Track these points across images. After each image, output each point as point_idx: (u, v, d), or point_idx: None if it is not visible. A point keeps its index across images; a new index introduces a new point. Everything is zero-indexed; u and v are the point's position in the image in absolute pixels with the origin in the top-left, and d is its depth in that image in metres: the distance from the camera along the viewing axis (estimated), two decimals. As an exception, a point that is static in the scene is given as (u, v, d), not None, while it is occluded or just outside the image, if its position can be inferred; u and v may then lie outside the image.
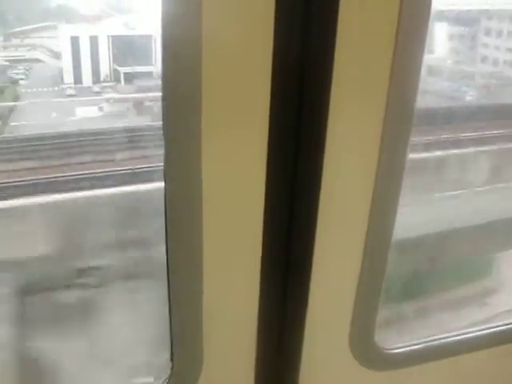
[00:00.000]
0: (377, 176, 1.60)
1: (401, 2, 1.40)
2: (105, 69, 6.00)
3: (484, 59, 4.37)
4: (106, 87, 6.44)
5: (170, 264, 1.53)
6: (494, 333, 2.12)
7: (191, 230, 1.49)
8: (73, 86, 5.92)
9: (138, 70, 4.55)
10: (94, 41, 5.56)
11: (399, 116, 1.55)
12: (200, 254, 1.52)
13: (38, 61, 5.06)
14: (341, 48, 1.38)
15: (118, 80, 5.30)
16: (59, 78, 5.57)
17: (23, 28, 4.64)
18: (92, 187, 3.74)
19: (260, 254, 1.59)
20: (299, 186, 1.52)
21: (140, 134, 4.24)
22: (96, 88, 6.10)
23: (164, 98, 1.32)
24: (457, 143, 4.54)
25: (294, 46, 1.35)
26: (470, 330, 2.10)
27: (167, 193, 1.44)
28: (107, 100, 4.88)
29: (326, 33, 1.36)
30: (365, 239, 1.68)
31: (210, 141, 1.39)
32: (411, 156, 1.66)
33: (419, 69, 1.51)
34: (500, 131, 4.66)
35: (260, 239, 1.57)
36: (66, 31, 5.21)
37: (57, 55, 5.10)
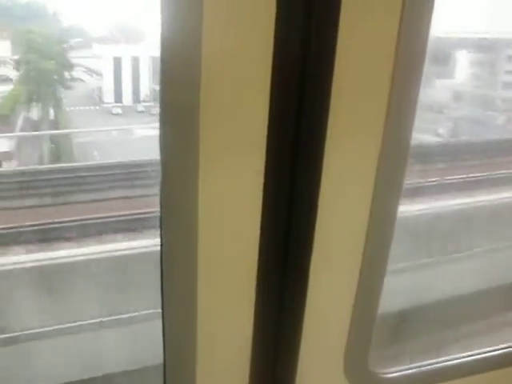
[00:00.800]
0: (374, 195, 1.60)
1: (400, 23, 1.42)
2: (144, 88, 6.22)
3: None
4: (148, 106, 6.65)
5: (164, 287, 1.55)
6: (492, 357, 2.09)
7: (186, 239, 1.52)
8: (116, 104, 6.12)
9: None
10: (135, 61, 5.77)
11: (400, 124, 1.56)
12: (195, 267, 1.54)
13: (78, 80, 5.27)
14: (341, 57, 1.40)
15: (156, 99, 5.44)
16: (99, 97, 5.76)
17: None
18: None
19: (255, 278, 1.61)
20: (297, 199, 1.53)
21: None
22: (139, 107, 6.29)
23: (161, 107, 1.35)
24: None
25: (294, 65, 1.38)
26: (468, 353, 2.07)
27: (162, 200, 1.46)
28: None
29: (325, 56, 1.39)
30: (360, 265, 1.69)
31: (208, 152, 1.41)
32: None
33: (417, 93, 1.53)
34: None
35: (256, 262, 1.59)
36: (107, 51, 5.43)
37: (96, 74, 5.28)
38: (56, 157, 6.71)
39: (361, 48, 1.44)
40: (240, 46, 1.36)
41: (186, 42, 1.31)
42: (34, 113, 6.11)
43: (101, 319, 5.34)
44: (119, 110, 6.29)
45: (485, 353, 2.09)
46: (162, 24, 1.28)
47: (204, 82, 1.33)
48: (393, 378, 1.95)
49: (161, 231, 1.51)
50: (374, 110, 1.52)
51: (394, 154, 1.60)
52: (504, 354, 2.11)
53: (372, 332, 1.83)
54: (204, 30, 1.28)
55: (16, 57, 5.60)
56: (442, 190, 6.87)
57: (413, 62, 1.50)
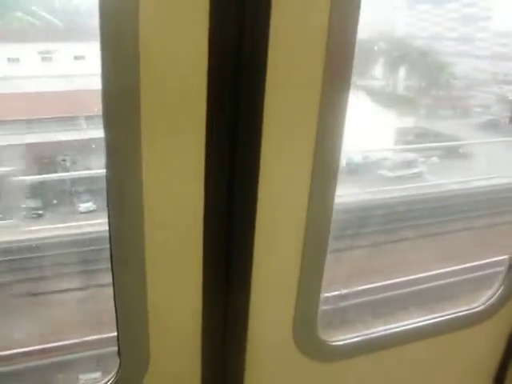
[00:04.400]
0: (313, 175, 1.67)
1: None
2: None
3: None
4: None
5: (113, 263, 1.57)
6: (431, 324, 2.24)
7: (133, 230, 1.54)
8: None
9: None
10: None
11: (331, 123, 1.63)
12: (142, 253, 1.57)
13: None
14: (273, 42, 1.44)
15: None
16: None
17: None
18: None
19: (201, 260, 1.65)
20: (238, 183, 1.58)
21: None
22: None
23: (103, 98, 1.36)
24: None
25: (229, 46, 1.41)
26: (408, 322, 2.21)
27: (108, 197, 1.48)
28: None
29: (259, 43, 1.43)
30: (304, 231, 1.75)
31: (150, 145, 1.44)
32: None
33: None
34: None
35: (201, 244, 1.63)
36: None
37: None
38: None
39: (293, 43, 1.49)
40: (175, 37, 1.38)
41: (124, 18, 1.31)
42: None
43: None
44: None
45: (425, 320, 2.24)
46: (100, 17, 1.29)
47: (143, 63, 1.35)
48: (340, 345, 2.03)
49: (108, 212, 1.51)
50: (307, 95, 1.58)
51: (330, 134, 1.65)
52: (443, 321, 2.27)
53: (319, 300, 1.90)
54: (141, 11, 1.31)
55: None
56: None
57: (343, 54, 1.56)
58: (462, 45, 4.57)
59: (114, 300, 1.62)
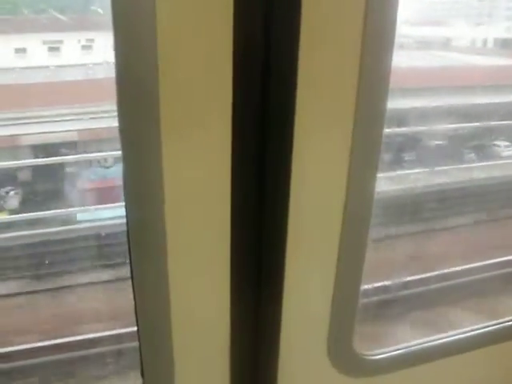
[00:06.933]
0: (350, 172, 1.54)
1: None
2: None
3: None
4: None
5: (134, 275, 1.46)
6: (476, 336, 2.08)
7: (154, 238, 1.43)
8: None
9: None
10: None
11: (369, 119, 1.51)
12: (165, 263, 1.46)
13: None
14: (305, 42, 1.33)
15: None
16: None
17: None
18: None
19: (229, 261, 1.53)
20: (268, 189, 1.46)
21: None
22: None
23: (118, 98, 1.26)
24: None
25: (256, 42, 1.30)
26: (449, 334, 2.06)
27: (127, 203, 1.38)
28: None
29: (289, 26, 1.31)
30: (339, 243, 1.63)
31: (170, 145, 1.33)
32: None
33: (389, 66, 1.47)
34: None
35: (228, 245, 1.50)
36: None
37: None
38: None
39: (326, 33, 1.37)
40: (198, 22, 1.26)
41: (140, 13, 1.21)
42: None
43: None
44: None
45: (467, 332, 2.08)
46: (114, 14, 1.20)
47: (161, 74, 1.25)
48: (377, 359, 1.92)
49: (128, 238, 1.41)
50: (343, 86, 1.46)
51: (369, 128, 1.52)
52: (488, 332, 2.10)
53: (355, 312, 1.78)
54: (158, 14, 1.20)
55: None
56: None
57: (381, 44, 1.43)
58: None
59: (136, 318, 1.52)
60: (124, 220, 1.41)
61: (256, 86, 1.34)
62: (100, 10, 2.56)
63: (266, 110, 1.36)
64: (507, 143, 5.29)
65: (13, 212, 4.19)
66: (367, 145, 1.54)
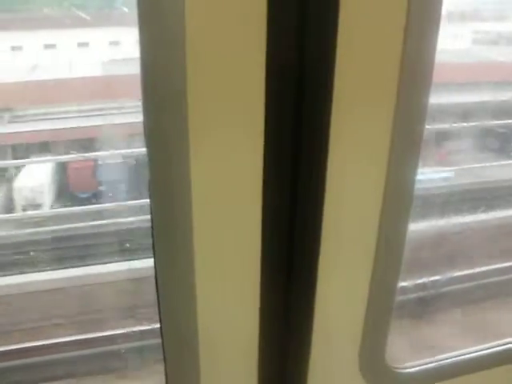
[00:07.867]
0: (388, 173, 1.47)
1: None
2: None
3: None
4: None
5: (159, 275, 1.42)
6: (509, 350, 1.98)
7: (181, 238, 1.38)
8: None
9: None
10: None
11: (410, 117, 1.43)
12: (191, 264, 1.40)
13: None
14: (342, 47, 1.27)
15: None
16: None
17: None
18: None
19: (259, 264, 1.46)
20: (301, 190, 1.40)
21: None
22: None
23: (144, 100, 1.22)
24: None
25: (289, 45, 1.25)
26: (484, 346, 1.97)
27: (153, 201, 1.33)
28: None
29: (324, 32, 1.26)
30: (375, 252, 1.55)
31: (199, 145, 1.28)
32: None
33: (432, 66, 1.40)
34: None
35: (259, 247, 1.44)
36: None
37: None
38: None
39: (363, 41, 1.31)
40: (228, 30, 1.22)
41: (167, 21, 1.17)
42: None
43: None
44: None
45: (502, 345, 1.99)
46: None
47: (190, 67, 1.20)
48: (412, 372, 1.83)
49: (152, 242, 1.37)
50: (383, 81, 1.38)
51: (409, 126, 1.45)
52: None
53: (389, 325, 1.70)
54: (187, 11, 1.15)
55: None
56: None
57: (422, 54, 1.36)
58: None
59: (161, 331, 1.47)
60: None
61: (290, 84, 1.29)
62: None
63: (300, 109, 1.31)
64: None
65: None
66: (407, 143, 1.47)
